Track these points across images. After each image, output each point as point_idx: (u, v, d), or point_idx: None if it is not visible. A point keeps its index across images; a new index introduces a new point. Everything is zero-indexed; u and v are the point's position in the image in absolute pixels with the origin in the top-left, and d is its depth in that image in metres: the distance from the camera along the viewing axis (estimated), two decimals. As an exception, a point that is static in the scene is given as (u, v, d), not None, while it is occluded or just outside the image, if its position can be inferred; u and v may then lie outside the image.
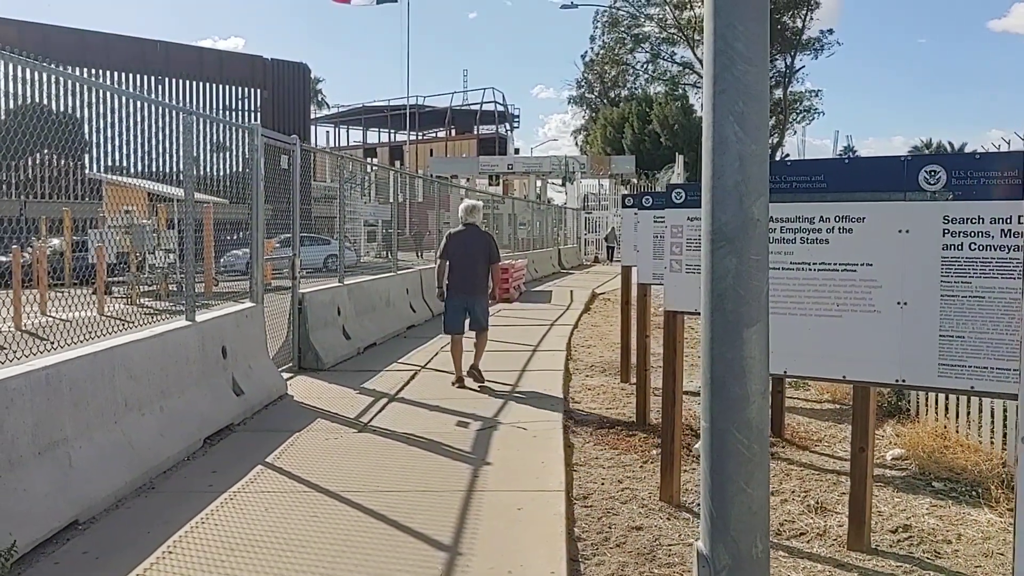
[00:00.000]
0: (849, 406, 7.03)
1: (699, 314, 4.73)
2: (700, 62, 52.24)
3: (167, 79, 43.87)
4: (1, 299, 6.42)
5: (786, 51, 60.19)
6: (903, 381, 3.98)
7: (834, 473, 5.90)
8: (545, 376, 9.48)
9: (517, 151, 73.65)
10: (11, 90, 5.41)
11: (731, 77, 2.48)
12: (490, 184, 51.65)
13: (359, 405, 8.06)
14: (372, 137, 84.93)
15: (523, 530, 4.79)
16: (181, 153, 7.37)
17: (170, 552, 4.48)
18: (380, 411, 7.84)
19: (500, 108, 77.91)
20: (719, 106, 2.50)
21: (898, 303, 3.92)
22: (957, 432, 6.39)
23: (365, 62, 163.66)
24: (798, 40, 60.92)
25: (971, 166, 3.75)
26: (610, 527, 4.94)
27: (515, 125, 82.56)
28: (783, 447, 6.55)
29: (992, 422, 5.97)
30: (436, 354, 11.13)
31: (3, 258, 13.06)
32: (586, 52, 73.15)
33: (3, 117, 5.44)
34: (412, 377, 9.55)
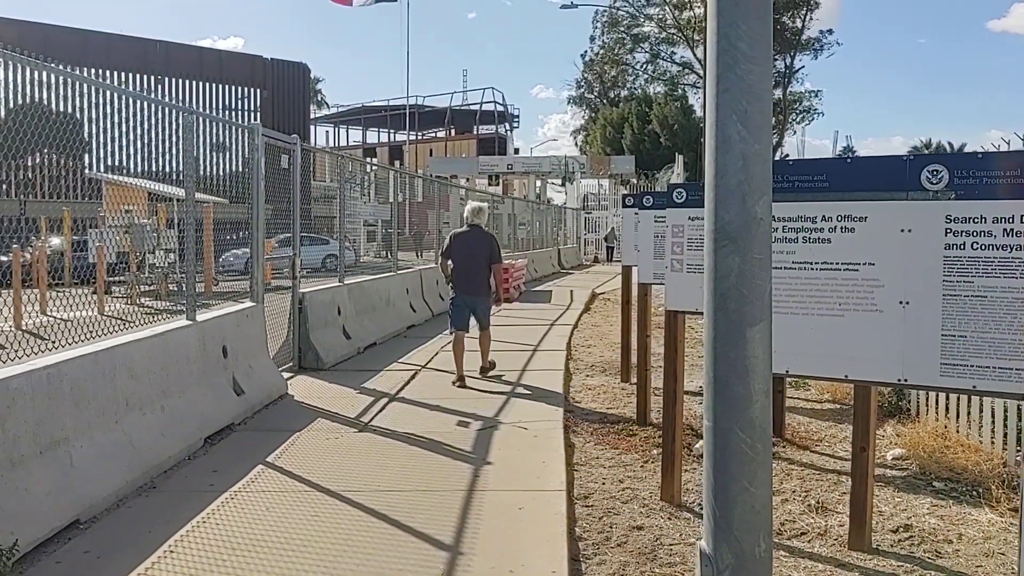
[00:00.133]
0: (849, 406, 7.04)
1: (700, 314, 4.74)
2: (700, 62, 52.37)
3: (167, 79, 43.86)
4: (1, 299, 6.42)
5: (785, 51, 60.18)
6: (905, 380, 3.98)
7: (835, 473, 5.90)
8: (545, 376, 9.48)
9: (517, 151, 73.70)
10: (11, 89, 5.41)
11: (734, 76, 2.48)
12: (490, 184, 51.68)
13: (359, 405, 8.06)
14: (372, 137, 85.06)
15: (524, 530, 4.79)
16: (182, 153, 7.36)
17: (171, 551, 4.48)
18: (381, 411, 7.84)
19: (500, 108, 78.00)
20: (722, 105, 2.50)
21: (900, 302, 3.92)
22: (958, 432, 6.39)
23: (365, 62, 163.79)
24: (798, 40, 60.92)
25: (973, 166, 3.75)
26: (611, 527, 4.94)
27: (515, 125, 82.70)
28: (784, 447, 6.56)
29: (993, 422, 5.97)
30: (436, 354, 11.13)
31: (3, 258, 13.06)
32: (586, 52, 73.29)
33: (3, 116, 5.45)
34: (412, 377, 9.55)
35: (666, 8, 64.44)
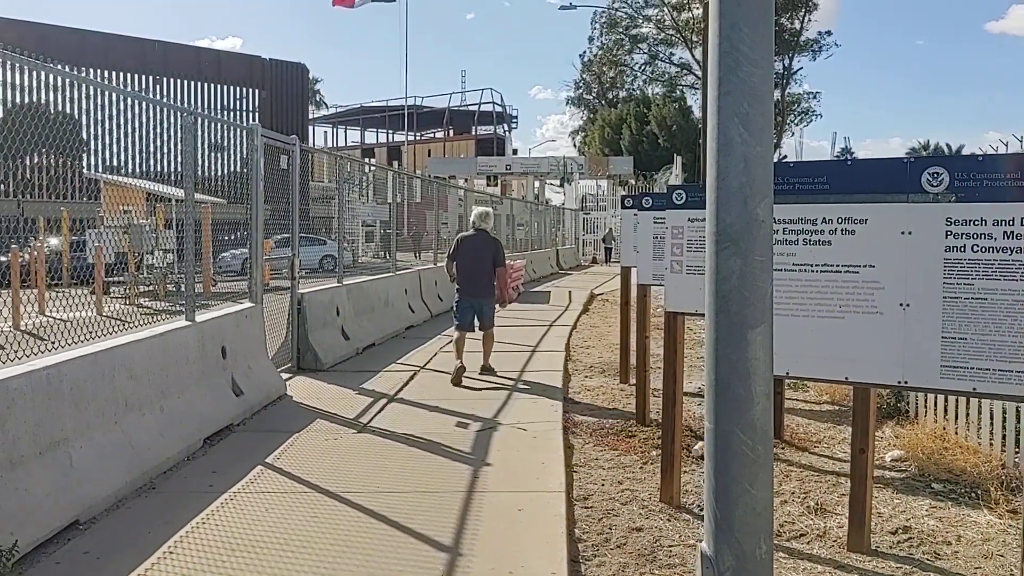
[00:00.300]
0: (848, 407, 7.05)
1: (699, 315, 4.74)
2: (698, 63, 52.34)
3: (165, 79, 43.82)
4: (0, 299, 6.41)
5: (784, 53, 60.21)
6: (905, 383, 3.98)
7: (833, 474, 5.91)
8: (544, 377, 9.48)
9: (515, 152, 73.66)
10: (9, 90, 5.41)
11: (736, 79, 2.48)
12: (488, 185, 51.68)
13: (358, 406, 8.06)
14: (370, 137, 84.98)
15: (523, 531, 4.79)
16: (181, 154, 7.36)
17: (171, 552, 4.48)
18: (379, 412, 7.84)
19: (498, 109, 77.97)
20: (724, 108, 2.50)
21: (900, 304, 3.93)
22: (956, 434, 6.40)
23: (363, 62, 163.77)
24: (796, 41, 60.96)
25: (974, 168, 3.76)
26: (610, 528, 4.94)
27: (513, 126, 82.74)
28: (782, 448, 6.56)
29: (991, 424, 5.97)
30: (435, 355, 11.13)
31: (1, 258, 13.06)
32: (584, 53, 73.28)
33: (1, 116, 5.44)
34: (411, 378, 9.55)
35: (664, 9, 64.49)
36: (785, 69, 61.17)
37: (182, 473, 5.95)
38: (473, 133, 78.03)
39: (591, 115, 72.15)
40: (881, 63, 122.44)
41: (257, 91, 47.41)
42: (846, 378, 4.21)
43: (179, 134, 7.37)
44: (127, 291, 15.56)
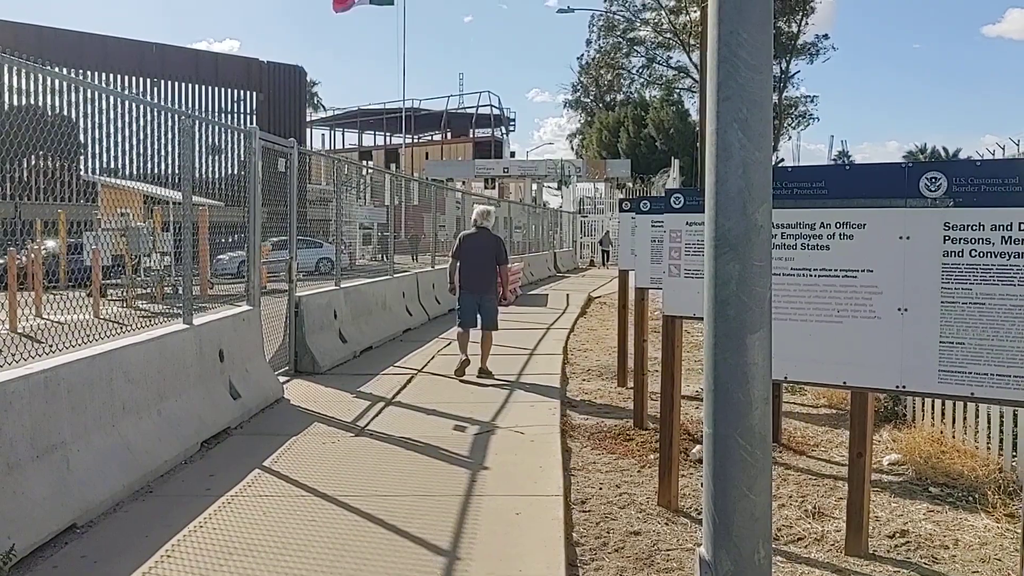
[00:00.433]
0: (845, 411, 7.05)
1: (697, 318, 4.74)
2: (695, 67, 52.37)
3: (163, 81, 43.79)
4: (-2, 302, 6.41)
5: (781, 56, 60.26)
6: (904, 387, 3.99)
7: (831, 478, 5.91)
8: (542, 380, 9.48)
9: (513, 154, 73.69)
10: (7, 92, 5.40)
11: (735, 84, 2.49)
12: (486, 187, 51.74)
13: (356, 409, 8.06)
14: (368, 140, 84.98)
15: (521, 535, 4.79)
16: (179, 157, 7.36)
17: (168, 556, 4.48)
18: (377, 415, 7.83)
19: (496, 111, 78.06)
20: (723, 113, 2.51)
21: (899, 309, 3.93)
22: (954, 437, 6.40)
23: (361, 65, 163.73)
24: (793, 45, 61.02)
25: (972, 173, 3.77)
26: (608, 532, 4.94)
27: (511, 128, 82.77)
28: (780, 452, 6.56)
29: (989, 428, 5.98)
30: (432, 357, 11.13)
31: (-1, 260, 13.04)
32: (582, 56, 73.21)
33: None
34: (409, 381, 9.55)
35: (662, 13, 64.53)
36: (782, 72, 61.21)
37: (179, 476, 5.94)
38: (471, 136, 78.07)
39: (589, 118, 72.21)
40: (878, 66, 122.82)
41: (255, 93, 47.37)
42: (844, 382, 4.21)
43: (177, 137, 7.37)
44: (124, 294, 15.55)
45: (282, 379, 9.09)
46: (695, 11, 50.90)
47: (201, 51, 51.27)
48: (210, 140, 9.14)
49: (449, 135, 79.89)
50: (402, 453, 6.53)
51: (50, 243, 16.47)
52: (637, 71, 70.19)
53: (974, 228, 3.73)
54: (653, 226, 7.48)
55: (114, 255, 14.71)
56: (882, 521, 5.05)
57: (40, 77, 5.55)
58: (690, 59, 60.98)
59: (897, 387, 4.02)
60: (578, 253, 44.61)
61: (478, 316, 9.86)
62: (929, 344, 3.83)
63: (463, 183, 47.72)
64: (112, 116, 7.18)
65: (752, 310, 2.53)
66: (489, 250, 9.89)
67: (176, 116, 7.66)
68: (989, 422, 5.97)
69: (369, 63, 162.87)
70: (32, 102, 5.89)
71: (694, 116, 57.48)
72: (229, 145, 9.82)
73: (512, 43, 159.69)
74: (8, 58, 5.04)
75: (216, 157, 10.49)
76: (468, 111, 79.49)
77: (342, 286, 11.78)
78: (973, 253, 3.73)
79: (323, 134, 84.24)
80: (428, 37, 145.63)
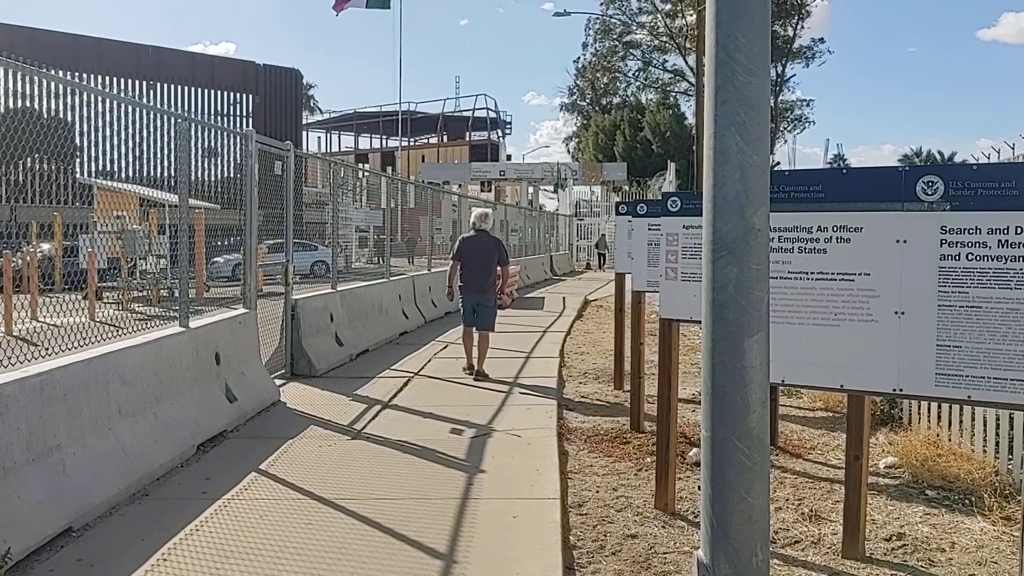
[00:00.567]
0: (841, 414, 7.07)
1: (694, 322, 4.74)
2: (691, 70, 52.54)
3: (159, 84, 43.77)
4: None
5: (777, 60, 60.36)
6: (900, 390, 3.99)
7: (828, 481, 5.92)
8: (539, 383, 9.48)
9: (509, 158, 73.75)
10: (2, 95, 5.39)
11: (733, 88, 2.49)
12: (482, 190, 51.76)
13: (352, 412, 8.05)
14: (364, 143, 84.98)
15: (518, 538, 4.79)
16: (177, 159, 7.35)
17: (165, 559, 4.47)
18: (374, 418, 7.82)
19: (492, 114, 78.13)
20: (721, 117, 2.52)
21: (896, 313, 3.94)
22: (950, 440, 6.41)
23: (357, 68, 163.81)
24: (789, 49, 61.16)
25: (969, 177, 3.77)
26: (605, 535, 4.94)
27: (507, 132, 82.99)
28: (777, 455, 6.56)
29: (985, 431, 5.99)
30: (429, 360, 11.13)
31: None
32: (578, 59, 73.32)
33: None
34: (405, 384, 9.54)
35: (658, 16, 64.64)
36: (778, 76, 61.35)
37: (176, 480, 5.93)
38: (467, 139, 78.15)
39: (585, 121, 72.29)
40: (874, 70, 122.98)
41: (251, 96, 47.36)
42: (841, 386, 4.21)
43: (173, 139, 7.36)
44: (120, 296, 15.52)
45: (278, 382, 9.08)
46: (691, 15, 51.09)
47: (197, 54, 51.16)
48: (207, 143, 9.14)
49: (445, 138, 79.93)
50: (399, 456, 6.53)
51: (46, 246, 16.45)
52: (633, 74, 70.42)
53: (971, 232, 3.74)
54: (650, 229, 7.48)
55: (110, 258, 14.68)
56: (879, 524, 5.06)
57: (35, 80, 5.54)
58: (686, 63, 61.18)
59: (894, 390, 4.03)
60: (574, 256, 44.63)
61: (475, 317, 10.04)
62: (926, 347, 3.84)
63: (459, 186, 47.80)
64: (108, 119, 7.16)
65: (750, 313, 2.54)
66: (490, 252, 10.08)
67: (173, 119, 7.66)
68: (985, 425, 5.98)
69: (365, 66, 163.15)
70: (28, 105, 5.88)
71: (690, 119, 57.67)
72: (226, 148, 9.82)
73: (508, 46, 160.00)
74: (3, 60, 5.03)
75: (212, 160, 10.50)
76: (464, 114, 79.57)
77: (338, 289, 11.77)
78: (970, 257, 3.74)
79: (319, 137, 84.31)
80: (424, 40, 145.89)
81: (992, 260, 3.68)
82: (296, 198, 10.78)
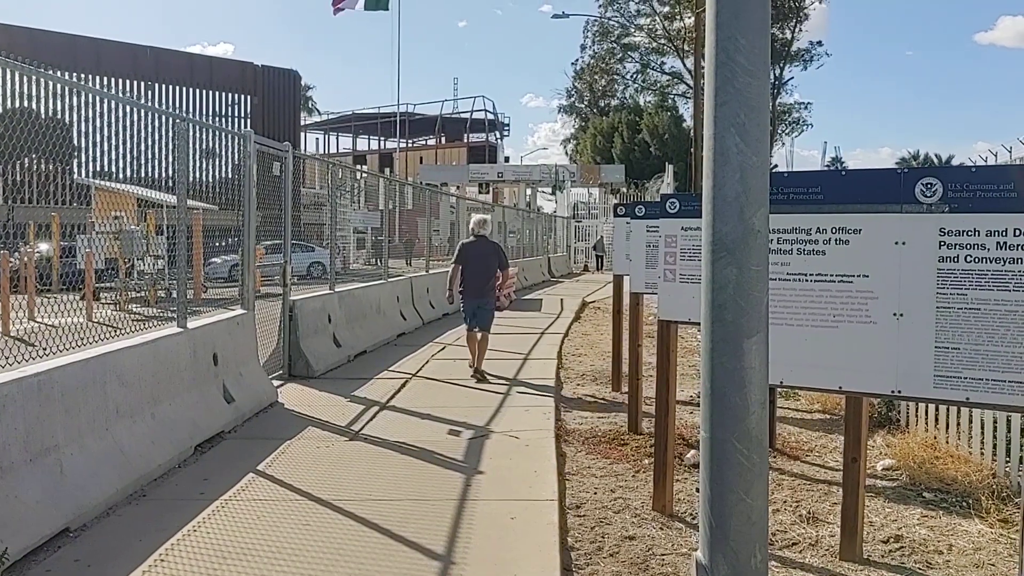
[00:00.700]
0: (839, 416, 7.07)
1: (693, 323, 4.74)
2: (689, 72, 52.53)
3: (157, 84, 43.72)
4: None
5: (775, 62, 60.40)
6: (899, 392, 3.99)
7: (825, 483, 5.92)
8: (537, 384, 9.49)
9: (507, 159, 73.77)
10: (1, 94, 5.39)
11: (732, 90, 2.50)
12: (480, 192, 51.77)
13: (350, 413, 8.04)
14: (362, 144, 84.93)
15: (516, 539, 4.79)
16: (176, 160, 7.34)
17: (162, 560, 4.46)
18: (371, 419, 7.82)
19: (490, 116, 78.07)
20: (720, 118, 2.52)
21: (894, 314, 3.94)
22: (947, 443, 6.42)
23: (355, 69, 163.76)
24: (787, 51, 61.23)
25: (967, 179, 3.78)
26: (603, 537, 4.94)
27: (505, 133, 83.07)
28: (774, 457, 6.56)
29: (982, 433, 6.00)
30: (427, 362, 11.12)
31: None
32: (576, 61, 73.38)
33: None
34: (403, 385, 9.54)
35: (656, 19, 64.69)
36: (776, 79, 61.40)
37: (173, 480, 5.92)
38: (465, 140, 78.12)
39: (583, 123, 72.31)
40: (871, 73, 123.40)
41: (249, 97, 47.30)
42: (840, 387, 4.21)
43: (172, 140, 7.35)
44: (117, 297, 15.50)
45: (276, 383, 9.07)
46: (689, 17, 51.13)
47: (195, 54, 51.10)
48: (207, 144, 9.13)
49: (443, 140, 79.90)
50: (396, 457, 6.52)
51: (43, 246, 16.43)
52: (631, 76, 70.46)
53: (969, 234, 3.74)
54: (648, 231, 7.48)
55: (108, 258, 14.65)
56: (876, 526, 5.06)
57: (34, 80, 5.53)
58: (684, 65, 61.25)
59: (892, 392, 4.03)
60: (572, 258, 44.64)
61: (475, 319, 10.21)
62: (924, 349, 3.84)
63: (457, 188, 47.79)
64: (108, 119, 7.16)
65: (749, 314, 2.54)
66: (490, 256, 10.32)
67: (172, 120, 7.65)
68: (983, 427, 5.99)
69: (363, 67, 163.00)
70: (26, 105, 5.87)
71: (688, 122, 57.71)
72: (225, 149, 9.81)
73: (507, 48, 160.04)
74: (2, 60, 5.02)
75: (212, 161, 10.49)
76: (462, 116, 79.52)
77: (336, 290, 11.76)
78: (968, 259, 3.74)
79: (317, 138, 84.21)
80: (422, 42, 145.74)
81: (990, 262, 3.69)
82: (294, 199, 10.78)
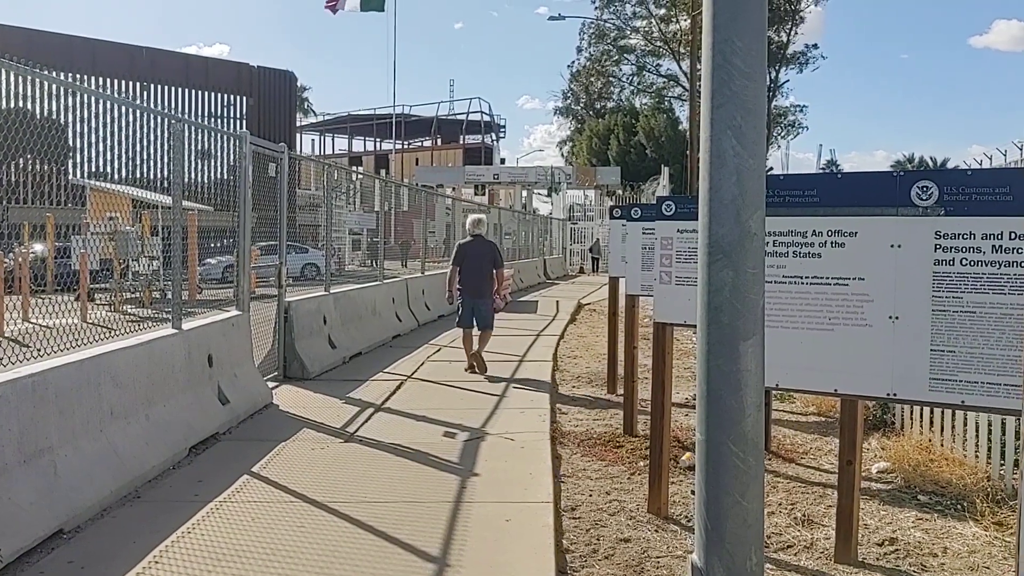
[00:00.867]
0: (834, 419, 7.07)
1: (688, 326, 4.74)
2: (685, 75, 52.57)
3: (153, 85, 43.69)
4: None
5: (770, 65, 60.47)
6: (894, 395, 4.00)
7: (820, 486, 5.92)
8: (531, 386, 9.48)
9: (503, 161, 73.85)
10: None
11: (729, 92, 2.50)
12: (476, 194, 51.78)
13: (345, 415, 8.03)
14: (358, 146, 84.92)
15: (511, 542, 4.78)
16: (171, 161, 7.32)
17: (156, 562, 4.45)
18: (366, 421, 7.81)
19: (486, 118, 78.12)
20: (717, 121, 2.52)
21: (890, 317, 3.95)
22: (942, 446, 6.43)
23: (351, 71, 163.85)
24: (783, 54, 61.31)
25: (963, 182, 3.79)
26: (598, 539, 4.94)
27: (501, 135, 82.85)
28: (769, 459, 6.56)
29: (977, 436, 6.01)
30: (422, 363, 11.11)
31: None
32: (572, 63, 73.38)
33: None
34: (398, 387, 9.53)
35: (652, 21, 64.73)
36: (772, 81, 61.46)
37: (167, 482, 5.91)
38: (461, 142, 78.14)
39: (579, 125, 72.36)
40: (867, 76, 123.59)
41: (245, 98, 47.30)
42: (835, 390, 4.22)
43: (167, 141, 7.34)
44: (112, 298, 15.46)
45: (271, 384, 9.05)
46: (685, 20, 51.16)
47: (191, 55, 51.11)
48: (202, 145, 9.12)
49: (439, 141, 79.94)
50: (391, 459, 6.51)
51: (37, 247, 16.39)
52: (627, 79, 70.49)
53: (965, 237, 3.75)
54: (644, 233, 7.48)
55: (102, 259, 14.62)
56: (871, 529, 5.07)
57: (29, 79, 5.52)
58: (680, 67, 61.24)
59: (888, 395, 4.03)
60: (568, 260, 44.65)
61: (474, 318, 10.48)
62: (920, 352, 3.85)
63: (453, 189, 47.77)
64: (103, 120, 7.14)
65: (745, 317, 2.54)
66: (486, 256, 10.58)
67: (168, 120, 7.64)
68: (977, 430, 6.00)
69: (359, 69, 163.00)
70: (20, 105, 5.86)
71: (684, 124, 57.66)
72: (220, 150, 9.79)
73: (503, 50, 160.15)
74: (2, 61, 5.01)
75: (208, 162, 10.48)
76: (458, 117, 79.57)
77: (331, 292, 11.75)
78: (964, 262, 3.75)
79: (313, 139, 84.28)
80: (419, 43, 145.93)
81: (986, 265, 3.70)
82: (290, 200, 10.77)
